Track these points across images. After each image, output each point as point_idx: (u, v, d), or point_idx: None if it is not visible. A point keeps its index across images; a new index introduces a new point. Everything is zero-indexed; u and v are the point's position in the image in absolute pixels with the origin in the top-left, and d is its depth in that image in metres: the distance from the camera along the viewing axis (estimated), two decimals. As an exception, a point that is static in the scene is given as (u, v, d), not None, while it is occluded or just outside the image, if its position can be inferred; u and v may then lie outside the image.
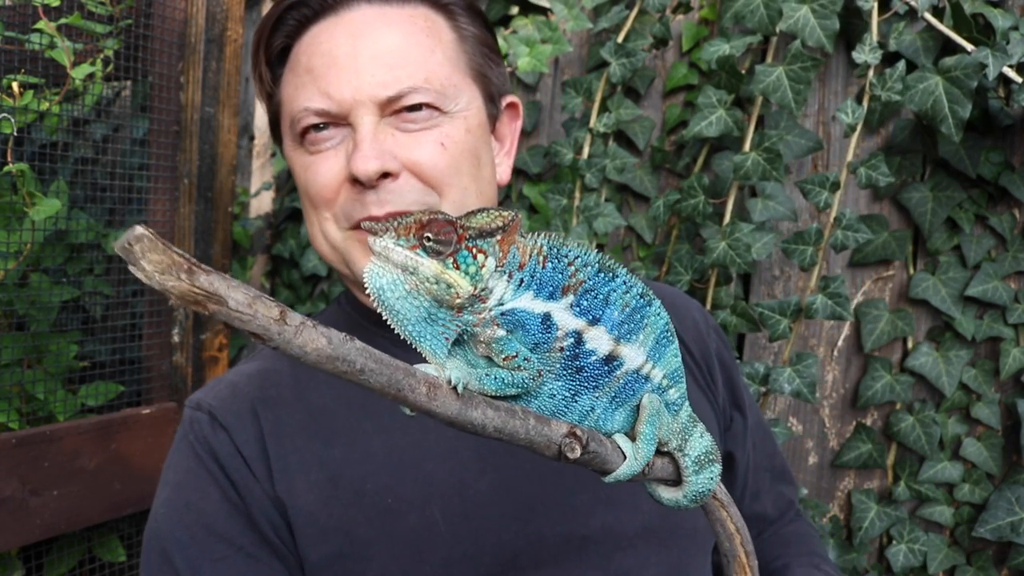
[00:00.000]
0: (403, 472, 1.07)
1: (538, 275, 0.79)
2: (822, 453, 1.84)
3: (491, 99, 1.21)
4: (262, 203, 2.12)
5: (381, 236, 0.73)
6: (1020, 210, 1.73)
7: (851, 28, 1.75)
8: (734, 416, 1.31)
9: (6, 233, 1.47)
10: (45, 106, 1.56)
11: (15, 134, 1.42)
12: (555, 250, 0.80)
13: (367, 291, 0.75)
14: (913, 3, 1.66)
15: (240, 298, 0.58)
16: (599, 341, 0.81)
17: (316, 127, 1.12)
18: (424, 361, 0.78)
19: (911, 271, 1.78)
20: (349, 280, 1.21)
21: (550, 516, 1.06)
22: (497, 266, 0.78)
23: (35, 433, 1.47)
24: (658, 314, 0.83)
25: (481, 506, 1.06)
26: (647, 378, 0.83)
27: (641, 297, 0.82)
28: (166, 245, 0.57)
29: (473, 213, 0.78)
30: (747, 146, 1.73)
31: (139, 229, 0.56)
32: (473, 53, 1.18)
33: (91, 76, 1.60)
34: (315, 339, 0.63)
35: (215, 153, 1.81)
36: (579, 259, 0.81)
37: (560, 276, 0.79)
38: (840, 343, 1.81)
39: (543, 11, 1.95)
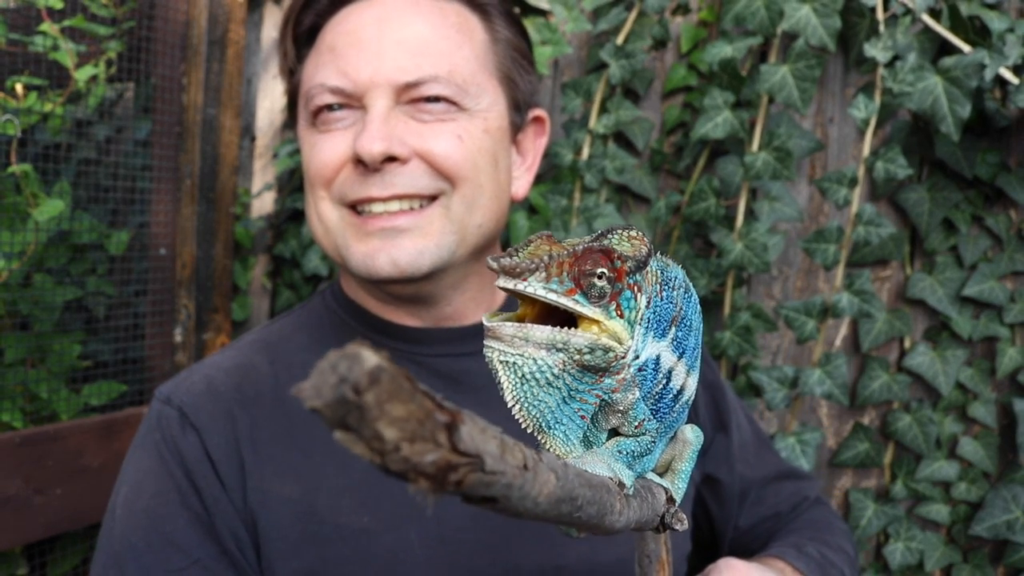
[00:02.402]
0: (381, 490, 1.01)
1: (658, 309, 0.65)
2: (820, 452, 1.85)
3: (516, 107, 1.16)
4: (264, 204, 2.14)
5: (526, 279, 0.55)
6: (1016, 211, 1.74)
7: (848, 30, 1.77)
8: (716, 437, 1.27)
9: (10, 234, 1.48)
10: (48, 107, 1.57)
11: (19, 135, 1.43)
12: (665, 275, 0.67)
13: (498, 381, 0.58)
14: (910, 4, 1.67)
15: (493, 450, 0.40)
16: (679, 376, 0.70)
17: (330, 107, 1.08)
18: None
19: (908, 271, 1.80)
20: (345, 272, 1.16)
21: (526, 545, 1.01)
22: (647, 306, 0.63)
23: (38, 432, 1.48)
24: (701, 330, 0.74)
25: (457, 531, 1.01)
26: (687, 404, 0.75)
27: (700, 314, 0.72)
28: (410, 380, 0.34)
29: (603, 236, 0.62)
30: (755, 146, 1.74)
31: (368, 355, 0.32)
32: (504, 56, 1.14)
33: (94, 78, 1.62)
34: (546, 479, 0.46)
35: (217, 154, 1.82)
36: (677, 279, 0.68)
37: (671, 307, 0.67)
38: (837, 343, 1.82)
39: (543, 13, 1.97)
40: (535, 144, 1.24)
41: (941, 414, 1.76)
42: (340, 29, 1.10)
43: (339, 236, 1.09)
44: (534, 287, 0.55)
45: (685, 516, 0.70)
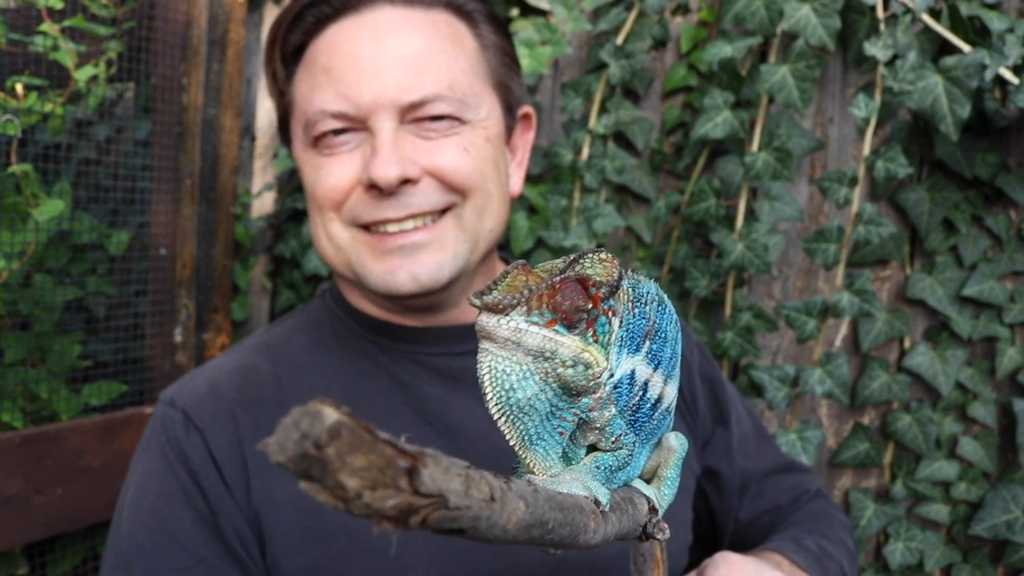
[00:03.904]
0: None
1: (630, 326, 0.68)
2: (820, 452, 1.85)
3: (509, 110, 1.18)
4: (264, 204, 2.14)
5: (508, 314, 0.58)
6: (1016, 211, 1.74)
7: (847, 29, 1.77)
8: (716, 431, 1.28)
9: (10, 234, 1.48)
10: (49, 108, 1.57)
11: (19, 135, 1.43)
12: (636, 291, 0.69)
13: (486, 392, 0.60)
14: (910, 4, 1.67)
15: (456, 487, 0.42)
16: (656, 386, 0.72)
17: (333, 132, 1.08)
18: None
19: (908, 271, 1.80)
20: (347, 282, 1.17)
21: None
22: (620, 326, 0.65)
23: (39, 432, 1.48)
24: (678, 339, 0.76)
25: None
26: (668, 411, 0.77)
27: (676, 324, 0.74)
28: (370, 432, 0.37)
29: (575, 261, 0.64)
30: (755, 146, 1.75)
31: (328, 412, 0.35)
32: (495, 63, 1.15)
33: (94, 78, 1.62)
34: (515, 507, 0.48)
35: (217, 154, 1.82)
36: (650, 294, 0.70)
37: (644, 322, 0.69)
38: (837, 343, 1.82)
39: (543, 13, 1.97)
40: (524, 140, 1.26)
41: (941, 414, 1.76)
42: (334, 49, 1.08)
43: (353, 255, 1.10)
44: (516, 321, 0.58)
45: (667, 525, 0.72)
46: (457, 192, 1.09)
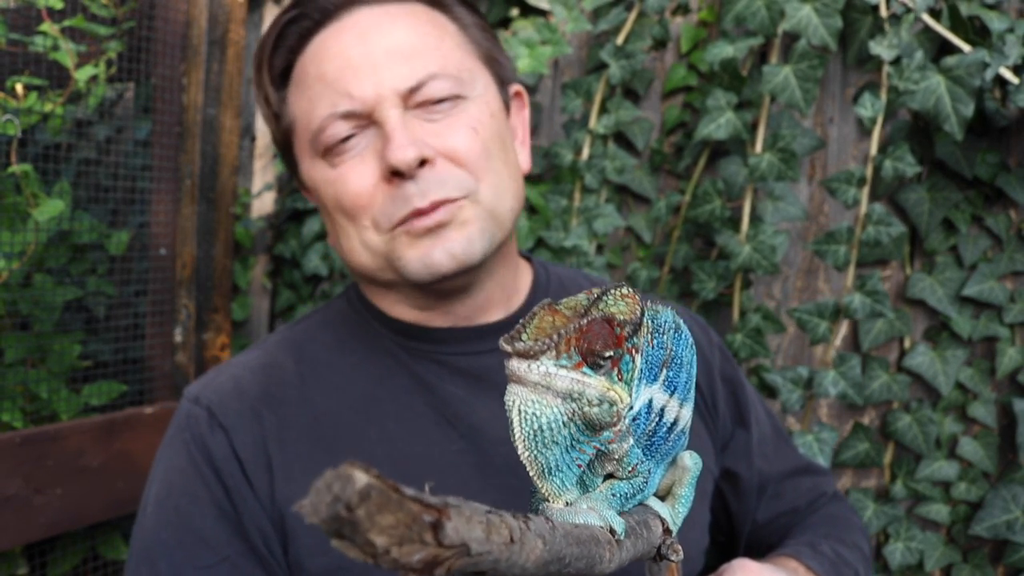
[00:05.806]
0: (406, 484, 1.01)
1: (649, 358, 0.70)
2: (820, 452, 1.85)
3: (502, 84, 1.19)
4: (264, 204, 2.14)
5: (538, 359, 0.60)
6: (1016, 211, 1.74)
7: (848, 29, 1.77)
8: (736, 432, 1.28)
9: (10, 234, 1.48)
10: (49, 108, 1.57)
11: (19, 135, 1.43)
12: (655, 322, 0.71)
13: (514, 431, 0.62)
14: (910, 4, 1.67)
15: (478, 535, 0.44)
16: (672, 410, 0.74)
17: (341, 140, 1.07)
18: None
19: (908, 271, 1.80)
20: (376, 286, 1.15)
21: None
22: (641, 362, 0.67)
23: (39, 432, 1.48)
24: (693, 362, 0.77)
25: None
26: (683, 432, 0.79)
27: (692, 347, 0.76)
28: (397, 491, 0.40)
29: (599, 299, 0.66)
30: (758, 147, 1.75)
31: (359, 476, 0.38)
32: (479, 39, 1.16)
33: (94, 78, 1.62)
34: (533, 547, 0.50)
35: (217, 154, 1.82)
36: (667, 323, 0.72)
37: (661, 352, 0.71)
38: (838, 342, 1.82)
39: (543, 13, 1.97)
40: (521, 117, 1.26)
41: (941, 414, 1.76)
42: (324, 57, 1.09)
43: (391, 253, 1.09)
44: (546, 366, 0.60)
45: (680, 547, 0.74)
46: (471, 174, 1.08)
